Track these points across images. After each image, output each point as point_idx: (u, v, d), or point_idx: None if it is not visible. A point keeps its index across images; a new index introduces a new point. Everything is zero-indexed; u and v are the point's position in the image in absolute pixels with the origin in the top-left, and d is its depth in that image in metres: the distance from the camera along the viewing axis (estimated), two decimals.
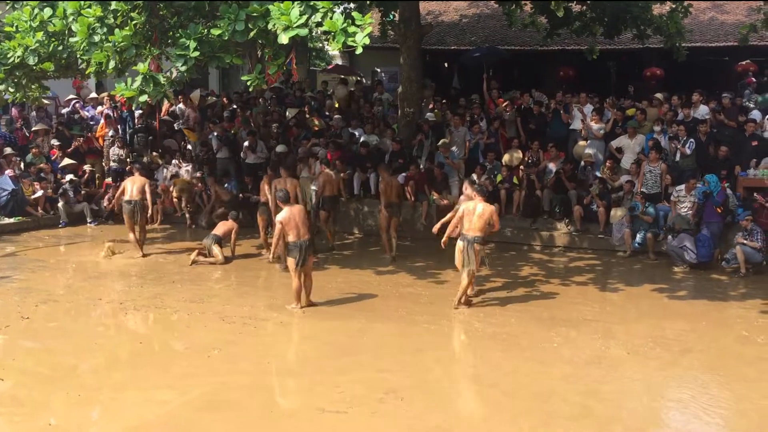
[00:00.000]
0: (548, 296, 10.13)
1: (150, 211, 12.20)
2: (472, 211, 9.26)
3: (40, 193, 14.67)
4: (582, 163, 13.98)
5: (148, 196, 12.06)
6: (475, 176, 13.17)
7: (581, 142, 14.35)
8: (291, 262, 9.11)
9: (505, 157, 14.27)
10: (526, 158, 14.26)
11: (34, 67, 11.37)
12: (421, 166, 14.12)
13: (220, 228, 12.23)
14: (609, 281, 11.07)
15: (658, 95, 15.10)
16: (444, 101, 16.50)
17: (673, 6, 15.12)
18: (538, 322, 8.93)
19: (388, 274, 11.18)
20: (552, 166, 13.89)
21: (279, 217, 9.09)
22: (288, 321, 8.88)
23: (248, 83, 9.85)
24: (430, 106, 15.96)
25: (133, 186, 12.07)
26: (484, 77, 16.62)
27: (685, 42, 15.29)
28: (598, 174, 13.59)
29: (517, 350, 7.97)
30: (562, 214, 13.45)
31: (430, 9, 21.40)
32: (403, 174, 13.88)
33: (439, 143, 14.29)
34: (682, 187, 12.34)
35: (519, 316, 9.12)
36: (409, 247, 12.92)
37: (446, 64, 21.33)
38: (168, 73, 10.58)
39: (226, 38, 9.12)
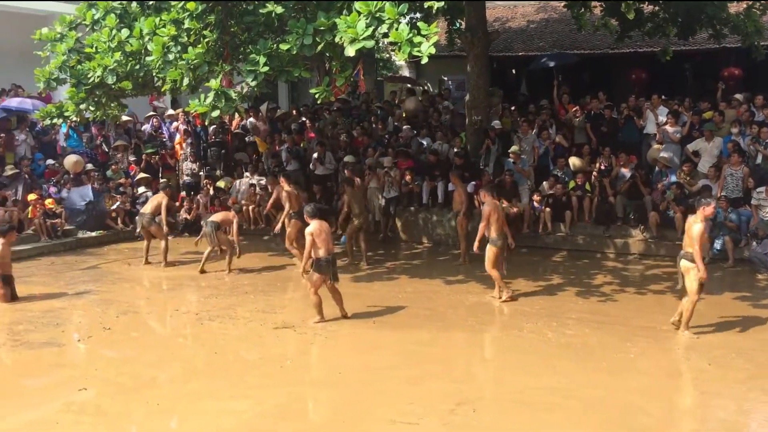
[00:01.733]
0: (624, 305, 9.88)
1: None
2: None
3: (116, 205, 15.19)
4: (656, 168, 13.61)
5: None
6: (545, 184, 13.00)
7: (656, 146, 13.97)
8: (318, 277, 8.91)
9: (570, 161, 14.06)
10: (599, 164, 13.98)
11: (113, 86, 11.80)
12: (490, 174, 14.00)
13: (219, 215, 12.33)
14: None
15: (738, 96, 14.57)
16: (512, 108, 16.35)
17: (750, 3, 14.58)
18: (614, 332, 8.71)
19: (457, 283, 11.11)
20: (625, 172, 13.57)
21: (309, 230, 8.86)
22: (358, 332, 8.91)
23: (316, 96, 9.98)
24: (499, 113, 15.84)
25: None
26: (554, 83, 16.39)
27: (764, 41, 14.72)
28: (674, 179, 13.19)
29: (592, 361, 7.78)
30: (636, 220, 13.11)
31: (497, 16, 21.26)
32: (472, 183, 13.81)
33: (510, 150, 14.15)
34: (763, 189, 11.87)
35: (593, 326, 8.92)
36: (478, 256, 12.79)
37: (514, 71, 21.12)
38: (239, 88, 10.84)
39: (295, 52, 9.28)
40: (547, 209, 13.53)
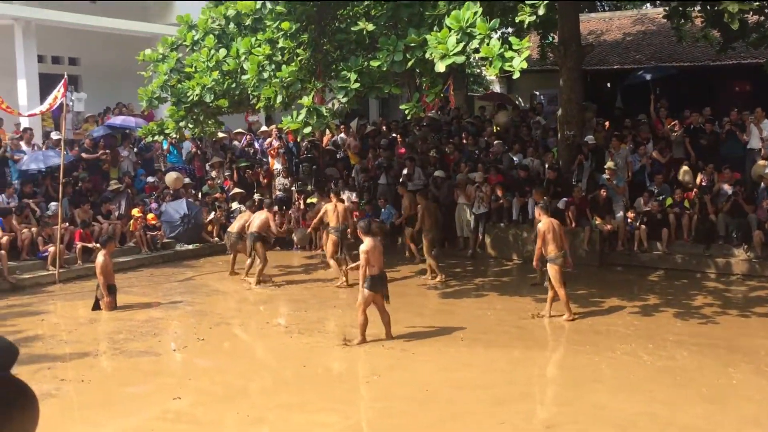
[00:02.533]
0: (725, 328, 9.40)
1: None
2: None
3: (211, 216, 15.69)
4: (762, 184, 12.95)
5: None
6: (640, 200, 12.57)
7: (761, 162, 13.30)
8: (369, 295, 8.68)
9: (682, 171, 13.55)
10: (699, 180, 13.42)
11: (211, 104, 12.23)
12: (582, 190, 13.68)
13: (256, 221, 12.27)
14: None
15: None
16: (606, 123, 15.94)
17: None
18: (714, 356, 8.29)
19: (547, 301, 10.85)
20: (727, 189, 12.97)
21: (363, 247, 8.64)
22: (446, 349, 8.82)
23: (406, 112, 10.02)
24: (592, 128, 15.47)
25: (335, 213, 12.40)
26: (651, 96, 15.87)
27: None
28: None
29: (691, 387, 7.42)
30: (740, 239, 12.50)
31: (591, 29, 20.84)
32: (564, 199, 13.53)
33: (606, 166, 13.78)
34: None
35: (692, 350, 8.52)
36: (569, 275, 12.49)
37: (609, 84, 20.61)
38: (330, 105, 11.02)
39: (385, 69, 9.35)
40: (643, 227, 13.08)
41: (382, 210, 15.20)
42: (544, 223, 9.77)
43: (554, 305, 9.96)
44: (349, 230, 12.23)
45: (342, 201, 13.06)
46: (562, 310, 9.76)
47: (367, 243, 8.67)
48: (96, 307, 10.70)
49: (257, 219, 12.41)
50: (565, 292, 9.72)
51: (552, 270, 9.66)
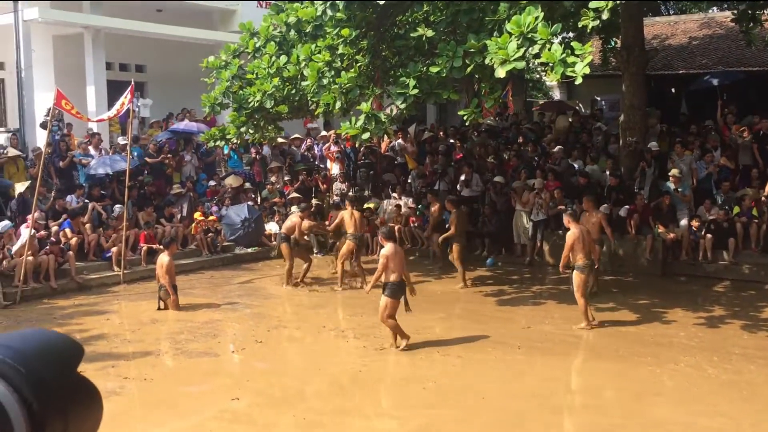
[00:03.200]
0: None
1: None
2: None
3: (273, 224, 15.89)
4: None
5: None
6: (702, 208, 12.23)
7: None
8: (391, 302, 8.60)
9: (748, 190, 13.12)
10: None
11: (271, 110, 12.40)
12: (645, 198, 13.37)
13: (287, 224, 12.74)
14: None
15: None
16: (671, 129, 15.57)
17: None
18: None
19: (608, 311, 10.64)
20: None
21: (384, 252, 8.63)
22: (502, 357, 8.74)
23: (465, 117, 9.96)
24: (656, 134, 15.14)
25: (351, 219, 12.58)
26: (719, 102, 15.44)
27: None
28: None
29: (760, 402, 7.17)
30: None
31: (656, 33, 20.39)
32: (626, 206, 13.27)
33: (670, 173, 13.45)
34: None
35: (759, 362, 8.23)
36: (631, 284, 12.25)
37: (673, 90, 20.14)
38: (388, 110, 11.04)
39: (444, 75, 9.32)
40: (708, 236, 12.70)
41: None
42: (574, 231, 9.63)
43: (614, 315, 9.75)
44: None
45: (360, 210, 13.54)
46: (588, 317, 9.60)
47: (387, 248, 8.67)
48: (160, 307, 10.99)
49: (288, 221, 12.86)
50: (585, 302, 9.60)
51: (577, 278, 9.53)
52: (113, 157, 15.35)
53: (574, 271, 9.58)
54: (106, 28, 17.86)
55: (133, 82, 13.67)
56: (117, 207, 14.03)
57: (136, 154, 15.17)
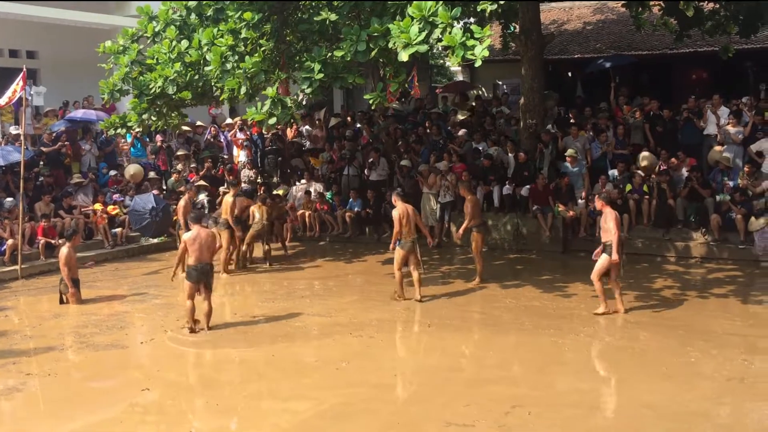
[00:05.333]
0: (684, 309, 9.66)
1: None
2: None
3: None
4: (717, 168, 13.28)
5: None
6: (598, 186, 12.81)
7: (717, 147, 13.65)
8: (188, 286, 9.14)
9: (641, 156, 13.75)
10: (657, 166, 13.71)
11: (174, 96, 12.11)
12: (545, 178, 13.86)
13: (224, 207, 12.77)
14: (752, 293, 10.43)
15: None
16: (568, 111, 16.17)
17: None
18: (673, 336, 8.52)
19: (513, 287, 11.03)
20: (684, 173, 13.29)
21: (185, 237, 9.29)
22: (413, 335, 8.96)
23: (370, 101, 10.06)
24: (554, 117, 15.69)
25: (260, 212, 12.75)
26: (612, 85, 16.14)
27: None
28: (736, 181, 12.85)
29: (651, 366, 7.63)
30: (697, 223, 12.81)
31: (552, 18, 21.05)
32: (527, 186, 13.73)
33: (566, 153, 14.00)
34: None
35: (652, 330, 8.75)
36: (534, 260, 12.73)
37: (570, 74, 20.89)
38: (295, 96, 11.01)
39: (349, 59, 9.38)
40: None
41: (351, 201, 15.26)
42: (400, 208, 10.26)
43: (518, 291, 10.08)
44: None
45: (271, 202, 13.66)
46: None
47: (191, 233, 9.19)
48: (62, 301, 10.64)
49: (224, 204, 12.89)
50: (400, 276, 10.36)
51: (397, 254, 10.28)
52: (5, 148, 14.63)
53: (397, 248, 10.28)
54: None
55: (24, 69, 13.08)
56: (8, 200, 13.43)
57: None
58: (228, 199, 12.74)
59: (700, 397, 6.84)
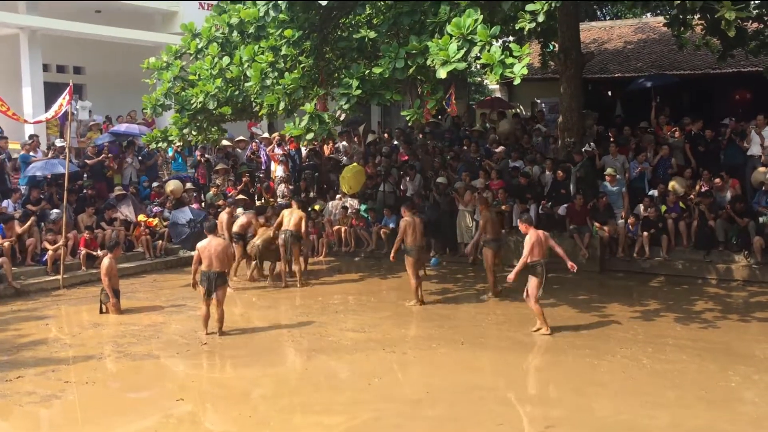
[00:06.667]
0: (725, 332, 9.45)
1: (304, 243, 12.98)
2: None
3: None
4: (761, 190, 13.01)
5: (303, 228, 12.58)
6: (640, 207, 12.61)
7: (761, 169, 13.37)
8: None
9: (671, 184, 13.57)
10: (699, 187, 13.49)
11: (214, 112, 12.32)
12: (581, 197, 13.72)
13: (238, 224, 13.02)
14: None
15: None
16: (607, 130, 16.02)
17: None
18: (713, 359, 8.34)
19: (549, 306, 10.89)
20: (726, 195, 13.05)
21: (199, 245, 9.63)
22: (447, 353, 8.88)
23: (407, 118, 10.11)
24: (593, 136, 15.54)
25: (290, 217, 12.62)
26: (653, 104, 15.96)
27: None
28: None
29: (690, 389, 7.48)
30: (740, 245, 12.55)
31: (593, 37, 20.95)
32: (564, 205, 13.62)
33: (606, 173, 13.86)
34: None
35: (691, 353, 8.58)
36: (570, 280, 12.56)
37: (609, 93, 20.72)
38: (333, 112, 11.11)
39: (387, 76, 9.45)
40: (645, 233, 13.12)
41: (385, 218, 15.29)
42: (408, 219, 10.81)
43: (555, 311, 9.99)
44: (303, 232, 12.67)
45: (306, 212, 13.47)
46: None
47: (203, 243, 9.59)
48: (102, 310, 10.84)
49: (240, 220, 13.18)
50: (415, 284, 10.96)
51: (408, 263, 10.90)
52: (50, 161, 14.99)
53: (405, 256, 10.87)
54: (43, 29, 17.49)
55: (71, 84, 13.43)
56: (54, 211, 13.73)
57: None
58: (222, 216, 13.12)
59: (741, 422, 6.66)
